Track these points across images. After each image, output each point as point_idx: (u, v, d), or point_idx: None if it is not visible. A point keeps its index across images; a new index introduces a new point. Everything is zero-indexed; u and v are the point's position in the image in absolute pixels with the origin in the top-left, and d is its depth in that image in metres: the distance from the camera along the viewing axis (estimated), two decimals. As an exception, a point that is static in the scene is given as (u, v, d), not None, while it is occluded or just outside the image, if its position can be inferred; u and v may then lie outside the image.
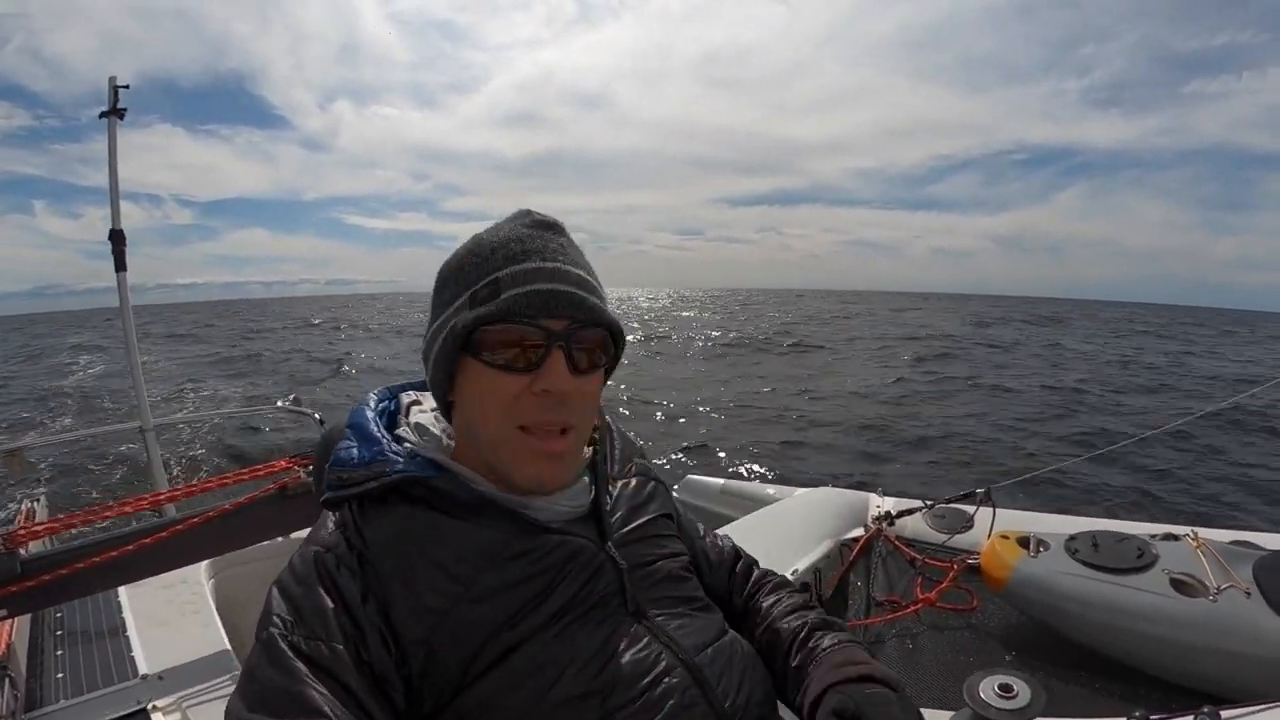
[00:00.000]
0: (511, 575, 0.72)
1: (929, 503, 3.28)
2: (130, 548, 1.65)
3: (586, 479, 0.85)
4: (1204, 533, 2.53)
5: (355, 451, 0.77)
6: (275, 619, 0.68)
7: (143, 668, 1.71)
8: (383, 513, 0.74)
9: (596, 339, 0.77)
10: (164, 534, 1.66)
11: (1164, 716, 1.25)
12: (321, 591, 0.68)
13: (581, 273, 0.76)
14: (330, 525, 0.75)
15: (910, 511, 3.22)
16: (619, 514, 0.85)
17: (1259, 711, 1.26)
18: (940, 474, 6.68)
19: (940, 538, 3.08)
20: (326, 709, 0.61)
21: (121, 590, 1.94)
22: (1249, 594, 2.14)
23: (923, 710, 0.84)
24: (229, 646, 1.79)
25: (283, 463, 1.84)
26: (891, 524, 3.17)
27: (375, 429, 0.80)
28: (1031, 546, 2.61)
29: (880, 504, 3.34)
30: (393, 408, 0.89)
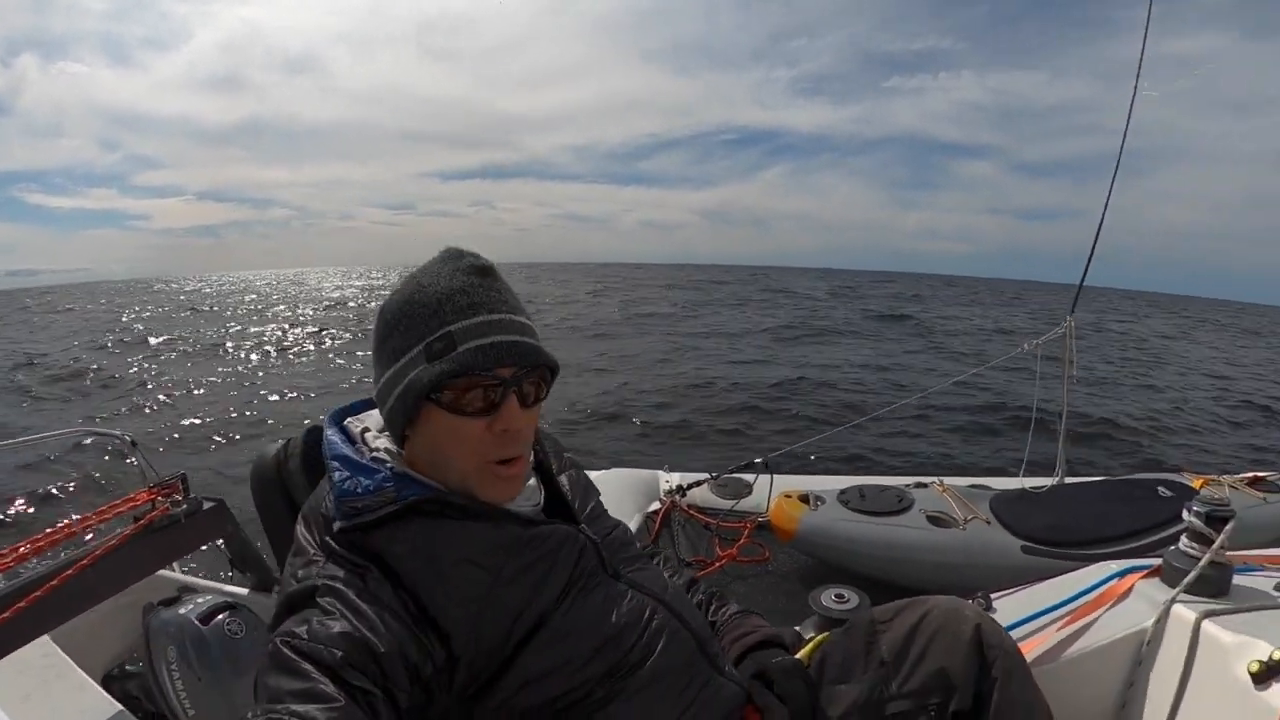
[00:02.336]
0: (526, 560, 0.84)
1: (713, 475, 3.49)
2: None
3: (534, 480, 0.98)
4: (947, 480, 3.13)
5: (361, 481, 0.82)
6: (288, 633, 0.72)
7: None
8: (400, 528, 0.81)
9: (539, 376, 0.87)
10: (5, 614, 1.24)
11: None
12: (362, 603, 0.74)
13: (523, 319, 0.86)
14: (335, 551, 0.80)
15: (698, 483, 3.42)
16: (576, 502, 1.01)
17: (1014, 592, 1.56)
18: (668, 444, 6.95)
19: (727, 504, 3.31)
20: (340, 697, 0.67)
21: None
22: (989, 523, 2.74)
23: None
24: (120, 706, 1.39)
25: (144, 494, 1.59)
26: (683, 495, 3.34)
27: (363, 460, 0.85)
28: (811, 502, 2.96)
29: (669, 479, 3.51)
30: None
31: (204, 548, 1.66)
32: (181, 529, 1.55)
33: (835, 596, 1.42)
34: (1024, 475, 3.23)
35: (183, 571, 1.82)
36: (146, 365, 12.22)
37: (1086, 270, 3.39)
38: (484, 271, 0.85)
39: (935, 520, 2.76)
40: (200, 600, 1.51)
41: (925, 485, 3.07)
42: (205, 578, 1.84)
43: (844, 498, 2.95)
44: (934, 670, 0.98)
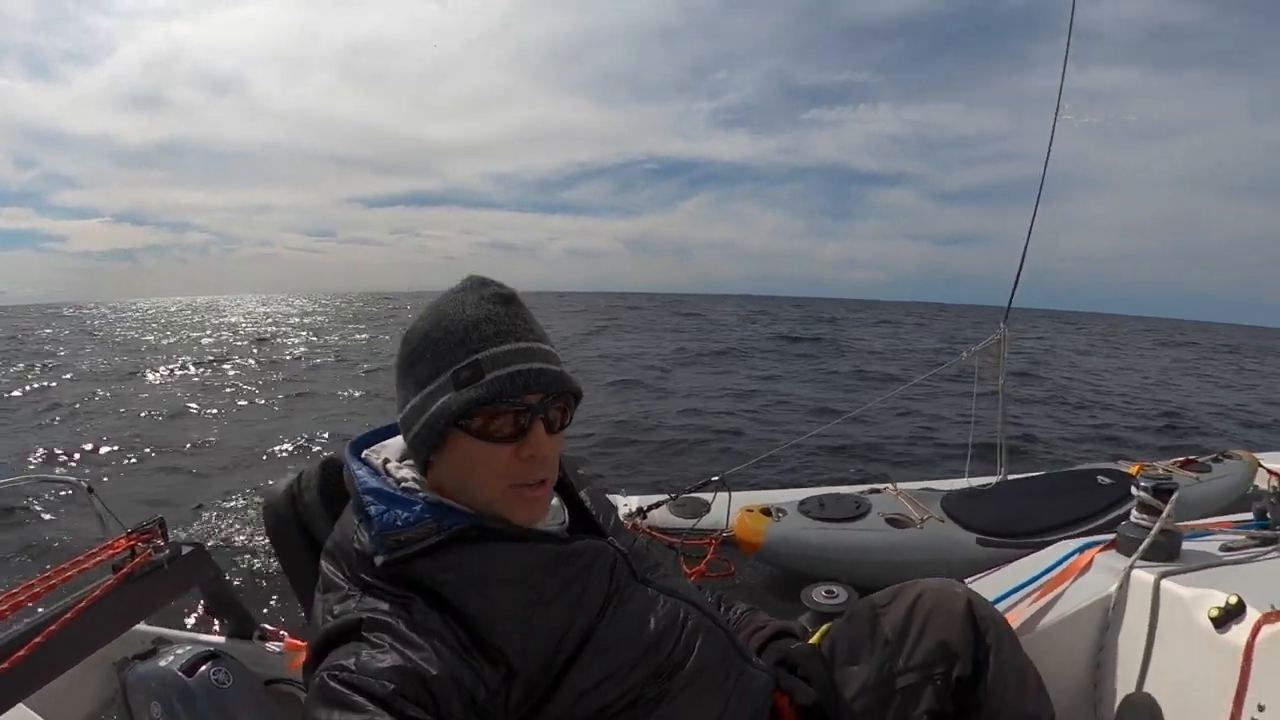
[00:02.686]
0: (565, 577, 0.86)
1: (672, 496, 3.52)
2: None
3: (557, 500, 0.99)
4: (899, 485, 3.24)
5: (400, 514, 0.82)
6: (336, 667, 0.71)
7: None
8: (444, 557, 0.81)
9: (564, 403, 0.88)
10: None
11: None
12: (412, 633, 0.75)
13: (548, 347, 0.87)
14: (372, 585, 0.80)
15: (657, 505, 3.43)
16: (600, 516, 1.01)
17: (981, 577, 1.64)
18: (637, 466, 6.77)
19: (688, 523, 3.33)
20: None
21: None
22: (943, 520, 2.87)
23: None
24: None
25: (121, 541, 1.48)
26: (644, 517, 3.35)
27: (397, 491, 0.85)
28: (773, 514, 3.05)
29: (627, 502, 3.53)
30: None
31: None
32: (164, 576, 1.46)
33: (826, 592, 1.52)
34: (969, 475, 3.38)
35: (147, 622, 1.71)
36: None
37: (1016, 283, 3.63)
38: (508, 300, 0.86)
39: (894, 522, 2.87)
40: (180, 651, 1.41)
41: (879, 490, 3.20)
42: (173, 627, 1.73)
43: (804, 507, 3.04)
44: (935, 644, 1.07)
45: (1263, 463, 3.48)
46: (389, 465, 0.90)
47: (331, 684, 0.69)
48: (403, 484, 0.87)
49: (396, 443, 0.93)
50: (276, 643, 1.59)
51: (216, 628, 1.66)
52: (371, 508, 0.83)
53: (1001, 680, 1.06)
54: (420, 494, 0.85)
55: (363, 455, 0.93)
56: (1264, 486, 2.93)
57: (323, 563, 0.86)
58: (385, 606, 0.77)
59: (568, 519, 0.99)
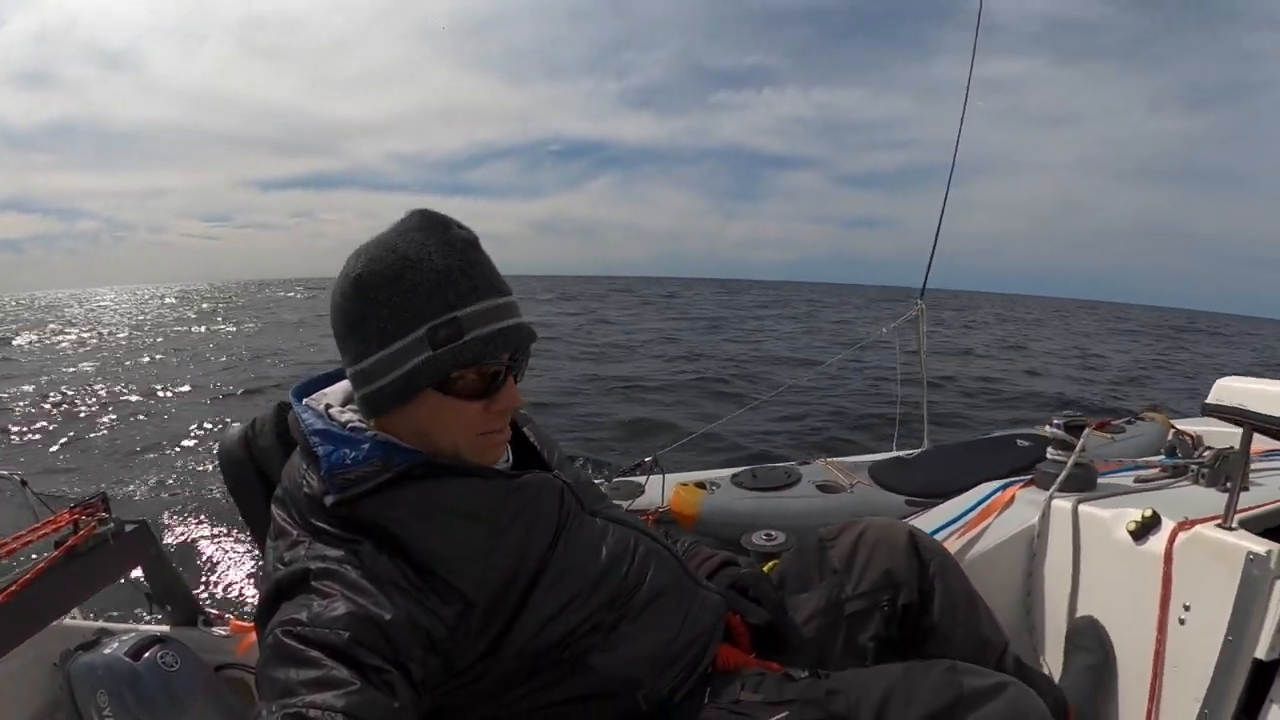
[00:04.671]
0: (514, 510, 0.85)
1: (606, 477, 3.50)
2: None
3: None
4: (828, 458, 3.34)
5: (348, 453, 0.80)
6: (289, 621, 0.70)
7: None
8: (394, 494, 0.80)
9: (528, 351, 0.90)
10: None
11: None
12: (362, 580, 0.73)
13: (515, 298, 0.86)
14: (322, 530, 0.79)
15: (592, 489, 3.40)
16: (544, 451, 1.03)
17: (915, 516, 1.68)
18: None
19: (623, 504, 3.30)
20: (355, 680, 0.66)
21: None
22: (870, 485, 2.97)
23: None
24: None
25: (65, 515, 1.39)
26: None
27: (344, 431, 0.83)
28: (708, 488, 3.07)
29: (561, 489, 3.49)
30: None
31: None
32: (109, 552, 1.40)
33: (765, 536, 1.62)
34: (896, 447, 3.47)
35: (87, 616, 1.60)
36: None
37: (931, 260, 3.76)
38: (475, 245, 0.83)
39: (824, 488, 2.95)
40: (126, 637, 1.33)
41: (809, 462, 3.28)
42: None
43: (737, 480, 3.09)
44: (880, 572, 1.11)
45: (1174, 424, 3.68)
46: (331, 410, 0.88)
47: (286, 640, 0.68)
48: (349, 425, 0.85)
49: (338, 389, 0.92)
50: (223, 627, 1.53)
51: (160, 619, 1.59)
52: (319, 448, 0.81)
53: (951, 604, 1.10)
54: (368, 433, 0.83)
55: (304, 402, 0.91)
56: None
57: (273, 509, 0.85)
58: (334, 553, 0.76)
59: (511, 456, 0.98)
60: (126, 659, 1.29)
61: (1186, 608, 1.10)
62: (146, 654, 1.31)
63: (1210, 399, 1.21)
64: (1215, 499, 1.34)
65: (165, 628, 1.53)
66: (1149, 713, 1.14)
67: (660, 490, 3.17)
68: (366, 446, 0.81)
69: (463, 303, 0.79)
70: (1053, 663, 1.34)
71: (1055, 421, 1.55)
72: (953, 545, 1.45)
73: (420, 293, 0.78)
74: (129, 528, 1.45)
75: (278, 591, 0.74)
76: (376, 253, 0.80)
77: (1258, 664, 1.02)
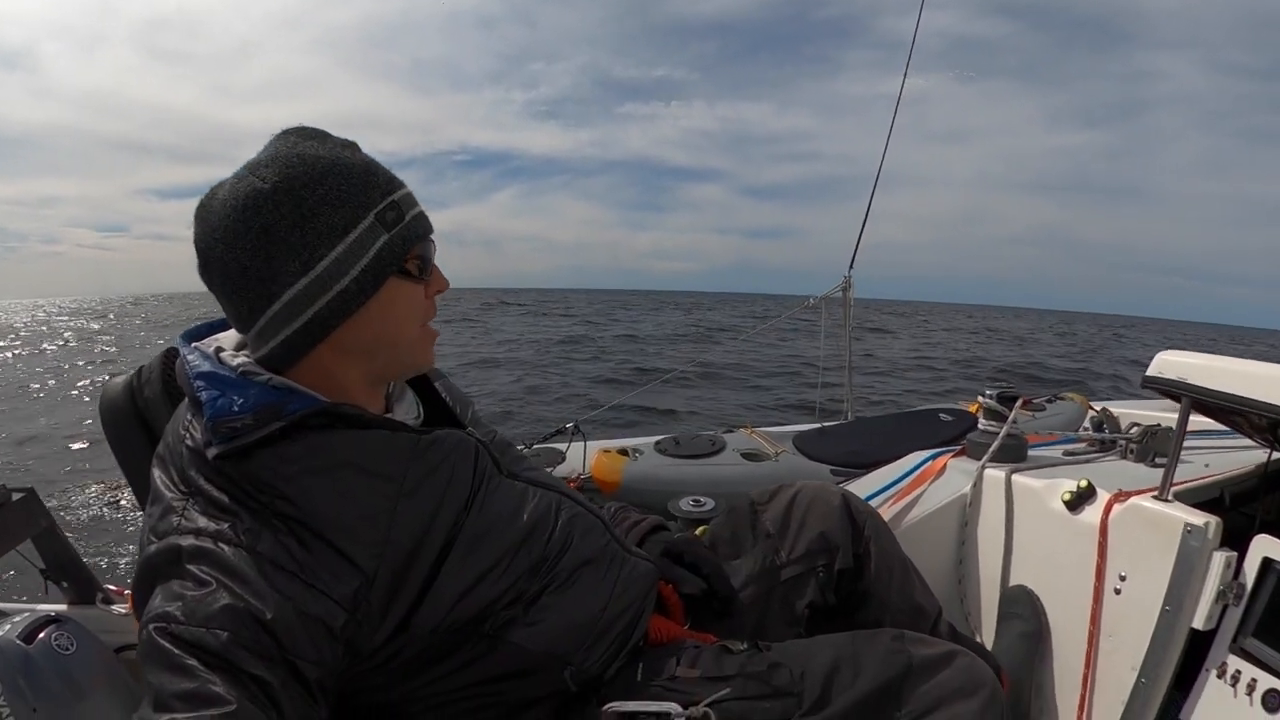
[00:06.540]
0: (426, 467, 0.78)
1: (526, 444, 3.39)
2: None
3: (411, 393, 0.94)
4: (753, 427, 3.33)
5: (236, 399, 0.73)
6: (162, 616, 0.63)
7: None
8: (288, 446, 0.72)
9: None
10: None
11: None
12: (239, 564, 0.66)
13: None
14: (201, 490, 0.71)
15: (510, 456, 3.32)
16: (457, 408, 0.97)
17: (845, 483, 1.63)
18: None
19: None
20: (230, 696, 0.60)
21: None
22: (794, 454, 2.98)
23: None
24: None
25: None
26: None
27: (234, 375, 0.75)
28: (630, 454, 3.02)
29: (480, 457, 3.40)
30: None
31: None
32: (13, 509, 1.31)
33: (693, 501, 1.56)
34: (819, 419, 3.49)
35: None
36: None
37: (860, 236, 3.79)
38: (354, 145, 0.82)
39: (749, 456, 2.94)
40: (16, 619, 1.19)
41: (733, 431, 3.28)
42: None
43: (660, 447, 3.05)
44: (815, 536, 1.08)
45: (1091, 404, 3.87)
46: (223, 355, 0.80)
47: (160, 640, 0.62)
48: (241, 369, 0.77)
49: (233, 334, 0.84)
50: (123, 605, 1.41)
51: (54, 597, 1.46)
52: (203, 394, 0.73)
53: (886, 568, 1.09)
54: (260, 377, 0.76)
55: (192, 345, 0.83)
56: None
57: (153, 470, 0.77)
58: (210, 526, 0.68)
59: (422, 414, 0.93)
60: (19, 642, 1.16)
61: (1122, 578, 1.09)
62: (40, 636, 1.18)
63: (1150, 371, 1.20)
64: (1144, 474, 1.35)
65: (61, 606, 1.41)
66: (1085, 679, 1.13)
67: (582, 457, 3.10)
68: (255, 391, 0.74)
69: (392, 187, 0.78)
70: (985, 631, 1.33)
71: (988, 392, 1.53)
72: (885, 513, 1.41)
73: (355, 183, 0.75)
74: (15, 496, 1.34)
75: (151, 572, 0.67)
76: (281, 165, 0.73)
77: (1194, 634, 1.01)
